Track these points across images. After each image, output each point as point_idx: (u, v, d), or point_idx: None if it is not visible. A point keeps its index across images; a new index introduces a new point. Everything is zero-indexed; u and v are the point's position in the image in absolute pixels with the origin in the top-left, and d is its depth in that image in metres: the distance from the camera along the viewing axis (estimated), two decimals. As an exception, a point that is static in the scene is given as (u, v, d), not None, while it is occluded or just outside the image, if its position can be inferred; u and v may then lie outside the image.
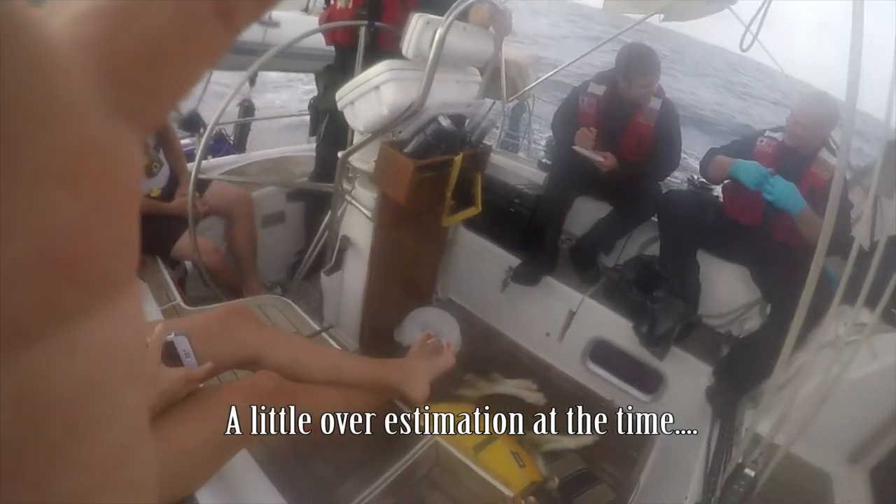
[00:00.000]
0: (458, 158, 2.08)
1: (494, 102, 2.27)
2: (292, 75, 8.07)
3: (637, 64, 2.79)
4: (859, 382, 2.05)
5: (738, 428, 2.22)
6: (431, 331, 2.23)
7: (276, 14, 5.17)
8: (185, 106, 4.74)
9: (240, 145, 4.47)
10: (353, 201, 2.37)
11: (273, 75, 8.60)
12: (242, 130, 4.53)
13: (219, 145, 4.37)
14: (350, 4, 2.76)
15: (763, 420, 1.51)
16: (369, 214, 2.30)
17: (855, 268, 1.74)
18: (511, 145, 5.59)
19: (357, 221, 2.39)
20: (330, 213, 2.56)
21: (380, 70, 2.03)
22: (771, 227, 2.64)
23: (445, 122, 1.94)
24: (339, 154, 2.36)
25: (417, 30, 1.98)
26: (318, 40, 2.94)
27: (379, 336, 2.62)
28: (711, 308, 2.94)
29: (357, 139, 2.29)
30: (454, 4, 1.93)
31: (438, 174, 2.10)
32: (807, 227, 2.46)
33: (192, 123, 4.34)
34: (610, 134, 2.92)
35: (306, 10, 6.17)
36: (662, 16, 3.43)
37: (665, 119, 2.90)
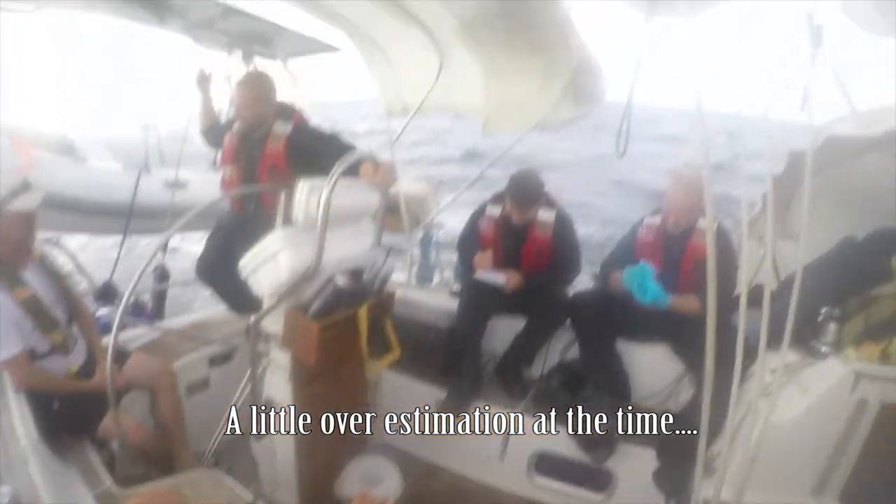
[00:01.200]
0: (363, 312, 2.14)
1: (390, 250, 2.39)
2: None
3: (517, 197, 3.03)
4: (800, 419, 2.15)
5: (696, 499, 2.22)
6: (370, 481, 2.18)
7: (182, 174, 5.30)
8: (99, 277, 4.67)
9: (158, 313, 4.39)
10: (271, 364, 2.37)
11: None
12: (159, 298, 4.46)
13: (136, 314, 4.28)
14: (235, 176, 3.11)
15: (713, 485, 1.54)
16: (287, 375, 2.29)
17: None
18: (426, 278, 5.63)
19: (277, 382, 2.37)
20: (250, 374, 2.53)
21: (275, 238, 2.12)
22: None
23: (342, 282, 2.02)
24: (251, 319, 2.38)
25: (304, 196, 2.09)
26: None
27: (320, 495, 2.52)
28: (644, 390, 3.02)
29: (266, 304, 2.33)
30: (335, 167, 2.06)
31: (346, 329, 2.14)
32: (683, 310, 2.71)
33: (107, 294, 4.26)
34: (511, 251, 3.09)
35: (214, 163, 6.36)
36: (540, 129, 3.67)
37: (561, 228, 3.10)
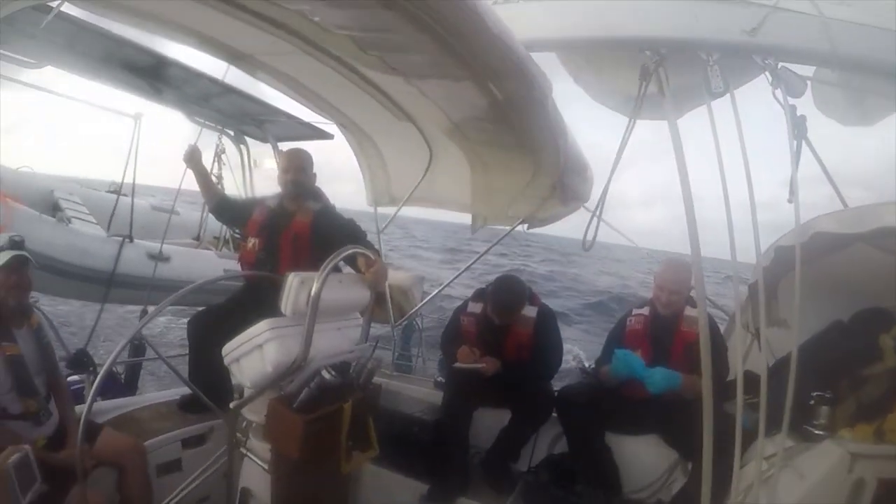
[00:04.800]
0: (348, 406, 2.07)
1: (377, 343, 2.36)
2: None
3: (499, 305, 3.08)
4: None
5: None
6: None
7: (166, 248, 5.23)
8: (73, 344, 4.54)
9: (130, 386, 4.25)
10: (249, 453, 2.27)
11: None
12: (133, 370, 4.34)
13: (108, 385, 4.13)
14: (257, 247, 3.11)
15: None
16: (266, 466, 2.20)
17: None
18: (405, 367, 5.57)
19: (255, 473, 2.27)
20: (227, 463, 2.42)
21: (261, 329, 2.08)
22: (664, 395, 2.75)
23: (328, 376, 1.97)
24: (231, 405, 2.30)
25: (293, 289, 2.06)
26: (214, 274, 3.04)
27: None
28: (636, 483, 2.94)
29: (247, 391, 2.25)
30: (326, 261, 2.04)
31: (331, 423, 2.06)
32: (693, 392, 2.62)
33: (81, 363, 4.13)
34: (492, 345, 3.09)
35: (197, 238, 6.34)
36: (527, 225, 3.69)
37: (542, 325, 3.12)
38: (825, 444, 2.20)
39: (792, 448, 2.25)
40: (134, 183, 5.42)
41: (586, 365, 3.25)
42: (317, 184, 3.26)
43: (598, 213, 2.44)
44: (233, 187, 5.94)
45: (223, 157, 5.73)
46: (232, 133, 5.67)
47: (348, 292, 2.34)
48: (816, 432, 2.30)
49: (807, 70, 2.44)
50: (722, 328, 3.09)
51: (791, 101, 2.16)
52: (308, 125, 4.92)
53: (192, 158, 3.39)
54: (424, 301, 4.07)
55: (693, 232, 1.71)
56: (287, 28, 2.32)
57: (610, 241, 3.37)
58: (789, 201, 2.12)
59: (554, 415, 3.04)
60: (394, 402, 3.14)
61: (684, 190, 1.76)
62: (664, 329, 2.87)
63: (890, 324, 2.46)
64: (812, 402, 2.35)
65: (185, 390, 3.31)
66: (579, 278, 26.96)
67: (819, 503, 2.09)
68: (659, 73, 2.04)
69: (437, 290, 4.11)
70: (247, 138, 5.84)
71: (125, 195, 5.71)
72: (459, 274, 4.09)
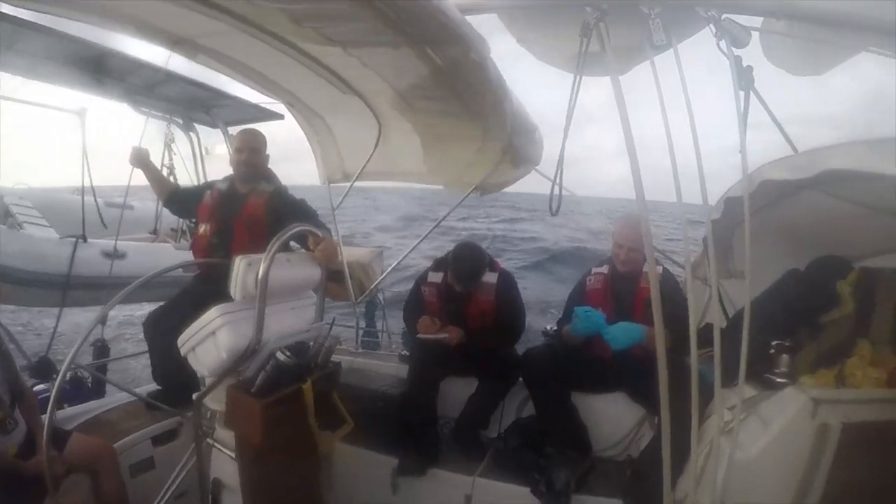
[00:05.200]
0: (308, 387, 2.05)
1: (333, 322, 2.34)
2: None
3: (459, 273, 3.08)
4: (764, 452, 2.11)
5: None
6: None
7: (121, 244, 5.12)
8: (35, 352, 4.45)
9: (98, 389, 4.17)
10: (216, 443, 2.25)
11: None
12: (99, 373, 4.25)
13: (76, 390, 4.06)
14: (208, 232, 3.05)
15: None
16: (233, 455, 2.17)
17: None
18: (371, 343, 5.63)
19: (224, 462, 2.25)
20: (196, 456, 2.39)
21: (213, 316, 2.04)
22: (629, 351, 2.77)
23: (283, 357, 1.94)
24: (194, 396, 2.27)
25: (241, 272, 2.03)
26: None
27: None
28: (605, 440, 2.98)
29: (207, 381, 2.21)
30: (272, 241, 2.00)
31: (292, 405, 2.04)
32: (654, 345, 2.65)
33: (44, 370, 4.05)
34: (455, 313, 3.10)
35: (154, 232, 6.22)
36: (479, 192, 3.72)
37: (503, 290, 3.13)
38: (787, 391, 2.22)
39: (754, 397, 2.29)
40: (82, 181, 5.27)
41: (548, 327, 3.27)
42: (269, 165, 3.21)
43: (557, 179, 2.42)
44: (185, 177, 5.85)
45: (173, 146, 5.62)
46: (180, 121, 5.57)
47: (298, 271, 2.32)
48: (778, 381, 2.32)
49: (755, 21, 2.45)
50: (681, 280, 3.13)
51: (737, 51, 2.16)
52: (256, 107, 4.85)
53: (139, 159, 3.33)
54: (384, 275, 4.05)
55: (638, 184, 1.70)
56: (219, 7, 2.25)
57: (579, 195, 3.39)
58: (739, 152, 2.13)
59: (520, 379, 3.07)
60: (359, 380, 3.14)
61: (628, 143, 1.76)
62: (624, 287, 2.90)
63: (846, 271, 2.50)
64: (772, 351, 2.39)
65: (153, 387, 3.28)
66: (537, 237, 26.87)
67: (784, 450, 2.12)
68: (600, 28, 2.02)
69: (395, 263, 4.07)
70: (196, 125, 5.75)
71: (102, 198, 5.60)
72: (415, 245, 4.06)
